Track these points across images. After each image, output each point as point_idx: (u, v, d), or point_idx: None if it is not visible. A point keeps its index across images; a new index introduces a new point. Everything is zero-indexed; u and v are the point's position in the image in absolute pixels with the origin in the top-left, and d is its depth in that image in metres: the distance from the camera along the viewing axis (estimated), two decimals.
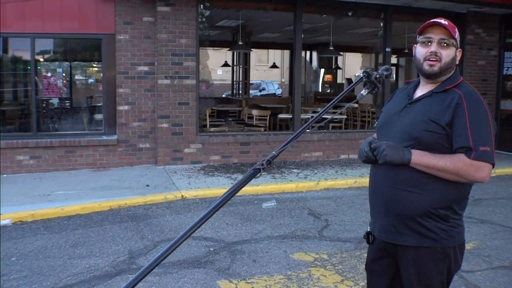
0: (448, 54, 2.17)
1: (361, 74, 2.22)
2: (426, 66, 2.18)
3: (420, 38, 2.22)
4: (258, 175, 1.90)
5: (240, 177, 7.73)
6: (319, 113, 2.17)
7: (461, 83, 2.18)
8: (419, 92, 2.26)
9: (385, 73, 2.22)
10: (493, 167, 2.06)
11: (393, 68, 18.32)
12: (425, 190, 2.11)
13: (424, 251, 2.14)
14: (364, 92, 2.18)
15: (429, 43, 2.18)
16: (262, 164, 1.88)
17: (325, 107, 2.16)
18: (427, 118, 2.11)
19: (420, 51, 2.21)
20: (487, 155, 2.03)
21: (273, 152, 1.95)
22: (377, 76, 2.17)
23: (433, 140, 2.08)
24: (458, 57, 2.24)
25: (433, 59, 2.16)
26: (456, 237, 2.15)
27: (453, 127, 2.07)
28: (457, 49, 2.21)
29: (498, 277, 4.23)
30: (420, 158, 2.07)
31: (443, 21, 2.18)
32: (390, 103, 2.39)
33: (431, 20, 2.18)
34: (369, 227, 2.37)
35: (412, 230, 2.14)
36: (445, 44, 2.16)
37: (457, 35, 2.20)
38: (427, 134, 2.09)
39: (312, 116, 10.85)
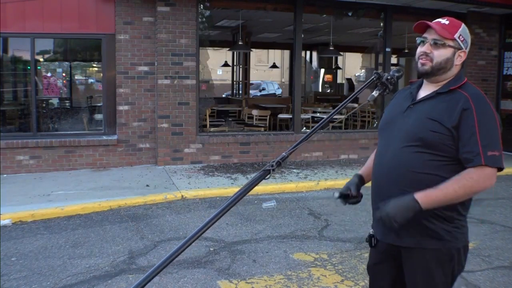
0: (440, 54, 2.12)
1: (372, 75, 2.22)
2: (419, 65, 2.17)
3: (418, 39, 2.22)
4: (268, 176, 1.90)
5: (240, 177, 7.75)
6: (329, 115, 2.15)
7: (465, 84, 2.15)
8: (422, 93, 2.23)
9: (396, 74, 2.22)
10: (501, 170, 2.04)
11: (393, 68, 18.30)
12: None
13: (429, 252, 2.12)
14: (375, 93, 2.18)
15: (424, 44, 2.17)
16: (272, 166, 1.89)
17: (335, 109, 2.17)
18: (431, 119, 2.08)
19: (417, 51, 2.22)
20: (496, 160, 2.01)
21: (283, 154, 1.93)
22: (388, 77, 2.18)
23: (438, 141, 2.05)
24: (461, 59, 2.16)
25: (424, 58, 2.15)
26: (460, 238, 2.13)
27: (461, 131, 2.03)
28: (458, 49, 2.14)
29: (498, 277, 4.23)
30: (427, 198, 2.00)
31: (443, 20, 2.15)
32: (392, 104, 2.35)
33: (423, 22, 2.17)
34: (371, 230, 2.33)
35: (417, 232, 2.11)
36: (437, 44, 2.13)
37: (458, 35, 2.13)
38: (432, 134, 2.06)
39: (312, 117, 10.94)
